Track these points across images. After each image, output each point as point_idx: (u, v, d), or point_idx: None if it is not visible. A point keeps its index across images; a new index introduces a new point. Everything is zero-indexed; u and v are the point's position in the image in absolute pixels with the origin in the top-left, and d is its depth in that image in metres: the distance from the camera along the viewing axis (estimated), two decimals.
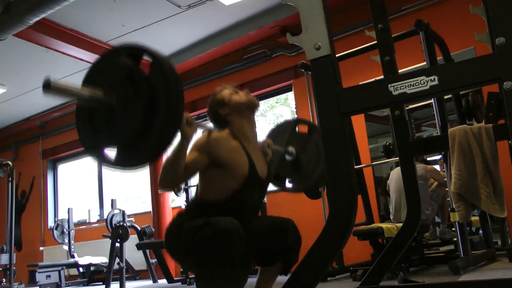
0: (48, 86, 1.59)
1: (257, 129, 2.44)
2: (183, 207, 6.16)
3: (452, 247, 4.43)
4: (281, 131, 2.90)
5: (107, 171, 9.27)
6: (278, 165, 2.77)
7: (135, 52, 1.85)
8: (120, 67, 1.84)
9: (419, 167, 4.40)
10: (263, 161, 2.41)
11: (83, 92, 1.77)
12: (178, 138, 2.02)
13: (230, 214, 2.13)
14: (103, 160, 1.92)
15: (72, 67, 7.15)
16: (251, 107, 2.38)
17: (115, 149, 1.89)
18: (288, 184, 2.90)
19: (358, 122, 5.57)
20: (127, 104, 1.80)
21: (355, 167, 4.55)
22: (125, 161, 1.89)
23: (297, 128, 2.92)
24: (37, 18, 5.08)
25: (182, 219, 2.25)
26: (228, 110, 2.35)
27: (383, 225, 4.15)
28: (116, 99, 1.81)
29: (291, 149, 2.80)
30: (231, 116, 2.34)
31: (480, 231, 4.63)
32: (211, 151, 2.18)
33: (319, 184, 4.52)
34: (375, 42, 2.64)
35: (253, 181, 2.28)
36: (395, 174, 4.52)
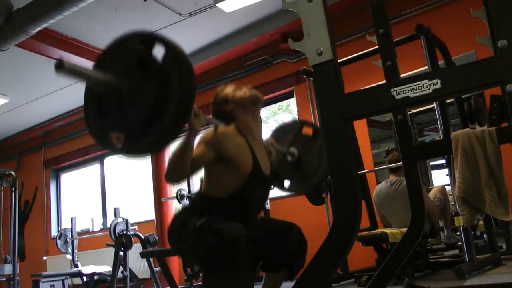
0: (61, 67, 1.58)
1: (262, 125, 2.45)
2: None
3: (457, 251, 4.41)
4: (286, 131, 2.90)
5: (110, 180, 9.28)
6: (278, 165, 2.76)
7: (148, 39, 1.81)
8: (133, 53, 1.80)
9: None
10: (266, 158, 2.43)
11: (95, 75, 1.76)
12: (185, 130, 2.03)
13: (234, 211, 2.18)
14: (109, 147, 1.88)
15: None
16: (255, 102, 2.40)
17: (122, 136, 1.85)
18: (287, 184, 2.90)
19: (361, 127, 5.56)
20: (139, 91, 1.77)
21: (359, 172, 4.54)
22: (131, 149, 1.85)
23: (302, 130, 2.91)
24: (39, 28, 5.10)
25: (187, 215, 2.26)
26: (232, 106, 2.36)
27: (387, 230, 4.13)
28: (128, 85, 1.77)
29: (293, 150, 2.80)
30: (236, 112, 2.36)
31: (485, 235, 4.61)
32: (218, 146, 2.19)
33: (322, 190, 4.51)
34: (377, 47, 2.64)
35: (257, 178, 2.28)
36: (380, 191, 4.53)
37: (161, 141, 1.80)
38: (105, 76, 1.76)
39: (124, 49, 1.83)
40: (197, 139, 2.16)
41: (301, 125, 2.95)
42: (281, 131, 2.92)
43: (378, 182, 5.50)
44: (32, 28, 5.05)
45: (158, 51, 1.78)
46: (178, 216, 2.32)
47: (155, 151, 1.91)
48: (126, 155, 1.86)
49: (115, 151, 1.86)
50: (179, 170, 2.11)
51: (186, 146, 2.06)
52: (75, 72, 1.68)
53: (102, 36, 6.21)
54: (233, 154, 2.22)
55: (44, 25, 5.08)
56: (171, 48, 1.75)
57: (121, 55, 1.84)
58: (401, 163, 2.55)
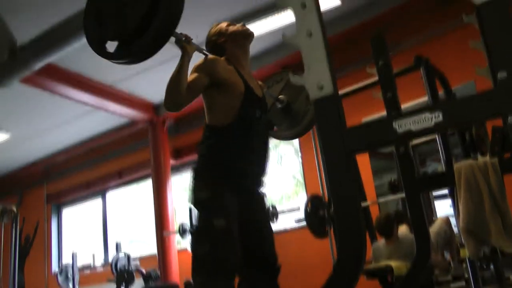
0: None
1: (249, 60, 2.63)
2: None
3: (463, 283, 4.35)
4: (276, 81, 3.02)
5: (112, 214, 9.23)
6: (268, 112, 2.86)
7: None
8: None
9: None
10: (256, 85, 2.58)
11: None
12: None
13: (238, 136, 2.30)
14: (103, 54, 2.11)
15: (77, 111, 7.23)
16: (246, 36, 2.58)
17: (116, 45, 2.10)
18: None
19: (363, 159, 5.56)
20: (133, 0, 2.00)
21: (362, 204, 4.51)
22: (123, 54, 2.09)
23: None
24: (42, 63, 5.16)
25: (198, 178, 2.33)
26: (224, 38, 2.54)
27: (392, 263, 4.08)
28: None
29: (282, 97, 2.91)
30: (227, 44, 2.54)
31: (492, 266, 4.55)
32: (209, 70, 2.35)
33: (325, 223, 4.48)
34: (377, 79, 2.65)
35: (251, 97, 2.42)
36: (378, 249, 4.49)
37: (150, 46, 2.04)
38: None
39: None
40: (190, 68, 2.34)
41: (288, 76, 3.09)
42: (271, 80, 3.05)
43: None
44: (36, 64, 5.11)
45: None
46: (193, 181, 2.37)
47: (144, 57, 2.12)
48: (118, 61, 2.11)
49: (109, 58, 2.09)
50: (175, 94, 2.24)
51: (180, 69, 2.25)
52: None
53: (105, 71, 6.29)
54: (224, 76, 2.36)
55: (48, 60, 5.14)
56: None
57: None
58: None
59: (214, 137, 2.35)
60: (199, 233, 2.28)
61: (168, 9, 1.99)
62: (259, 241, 2.39)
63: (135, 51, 2.06)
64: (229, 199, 2.25)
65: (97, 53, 2.13)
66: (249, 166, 2.36)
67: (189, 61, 2.32)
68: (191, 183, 2.34)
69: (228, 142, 2.32)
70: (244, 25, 2.61)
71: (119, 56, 2.11)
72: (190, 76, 2.32)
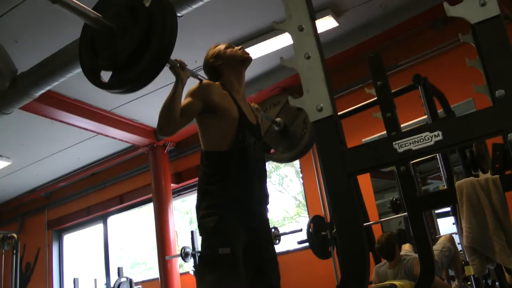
0: (55, 0, 1.79)
1: (244, 85, 2.62)
2: (191, 271, 6.05)
3: None
4: (274, 103, 3.05)
5: (113, 239, 9.18)
6: (265, 134, 2.86)
7: None
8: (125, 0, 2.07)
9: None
10: (250, 111, 2.56)
11: (87, 12, 1.97)
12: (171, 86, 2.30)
13: (236, 164, 2.29)
14: (98, 83, 2.13)
15: (77, 137, 7.25)
16: (243, 61, 2.57)
17: (110, 74, 2.11)
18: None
19: (364, 178, 5.55)
20: (126, 29, 2.02)
21: (364, 224, 4.49)
22: (117, 84, 2.09)
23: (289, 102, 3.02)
24: (43, 91, 5.19)
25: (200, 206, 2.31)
26: (221, 61, 2.54)
27: (397, 282, 4.04)
28: (117, 24, 2.03)
29: (279, 120, 2.93)
30: (223, 68, 2.53)
31: (497, 283, 4.50)
32: (203, 96, 2.34)
33: (328, 244, 4.45)
34: (375, 98, 2.66)
35: (245, 124, 2.40)
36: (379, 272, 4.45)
37: (143, 77, 2.05)
38: (96, 14, 2.01)
39: None
40: (184, 93, 2.35)
41: (287, 98, 3.08)
42: (268, 103, 3.08)
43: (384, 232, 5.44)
44: (36, 91, 5.14)
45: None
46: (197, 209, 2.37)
47: (138, 87, 2.14)
48: (112, 90, 2.12)
49: (103, 87, 2.12)
50: (168, 118, 2.23)
51: (173, 95, 2.25)
52: (68, 6, 1.88)
53: (104, 96, 6.31)
54: (218, 101, 2.35)
55: (48, 88, 5.17)
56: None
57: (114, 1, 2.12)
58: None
59: (214, 166, 2.34)
60: (205, 261, 2.24)
61: (161, 41, 2.00)
62: (264, 275, 2.36)
63: (129, 81, 2.07)
64: (235, 227, 2.24)
65: (92, 82, 2.15)
66: (251, 192, 2.35)
67: (183, 87, 2.33)
68: (197, 212, 2.33)
69: (229, 170, 2.31)
70: (242, 48, 2.61)
71: (113, 86, 2.11)
72: (184, 100, 2.33)
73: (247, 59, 2.59)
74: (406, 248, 4.61)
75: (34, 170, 8.47)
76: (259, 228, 2.39)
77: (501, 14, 1.28)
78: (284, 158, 3.05)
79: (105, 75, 2.16)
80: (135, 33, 1.99)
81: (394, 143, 1.30)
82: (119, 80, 2.08)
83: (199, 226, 2.30)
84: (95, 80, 2.13)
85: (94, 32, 2.12)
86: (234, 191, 2.30)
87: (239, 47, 2.62)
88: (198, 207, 2.32)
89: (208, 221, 2.23)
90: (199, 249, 5.97)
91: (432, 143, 1.27)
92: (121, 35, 2.03)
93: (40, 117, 6.31)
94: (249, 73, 5.96)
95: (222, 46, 2.59)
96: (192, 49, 4.81)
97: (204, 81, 2.46)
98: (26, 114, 6.08)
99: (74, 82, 5.45)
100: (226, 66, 2.54)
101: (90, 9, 2.01)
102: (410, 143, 1.29)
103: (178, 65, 2.31)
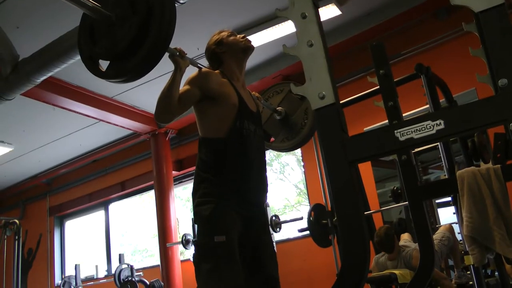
0: None
1: (244, 73, 2.60)
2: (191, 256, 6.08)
3: None
4: (276, 91, 3.03)
5: (114, 225, 9.22)
6: (265, 122, 2.86)
7: None
8: None
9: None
10: (250, 99, 2.55)
11: (85, 1, 1.97)
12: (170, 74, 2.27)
13: (237, 151, 2.28)
14: (96, 71, 2.12)
15: (79, 123, 7.24)
16: (245, 50, 2.55)
17: (108, 63, 2.11)
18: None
19: (365, 167, 5.55)
20: (124, 19, 2.02)
21: (365, 213, 4.50)
22: (115, 72, 2.09)
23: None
24: (44, 77, 5.17)
25: (197, 193, 2.30)
26: (223, 49, 2.52)
27: (396, 271, 4.06)
28: (116, 13, 2.04)
29: (280, 109, 2.91)
30: (225, 55, 2.52)
31: (496, 273, 4.52)
32: (201, 83, 2.33)
33: (328, 232, 4.46)
34: (378, 87, 2.66)
35: (245, 111, 2.38)
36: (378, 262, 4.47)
37: (141, 66, 2.03)
38: (95, 4, 2.00)
39: None
40: (183, 81, 2.34)
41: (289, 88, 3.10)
42: (272, 91, 3.06)
43: (384, 222, 5.45)
44: (38, 77, 5.12)
45: None
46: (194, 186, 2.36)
47: (135, 77, 2.12)
48: (109, 78, 2.11)
49: (101, 76, 2.11)
50: (166, 106, 2.23)
51: (172, 83, 2.24)
52: None
53: (106, 84, 6.28)
54: (217, 89, 2.34)
55: (49, 74, 5.15)
56: None
57: None
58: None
59: (211, 153, 2.32)
60: (201, 249, 2.23)
61: (160, 30, 1.99)
62: (261, 262, 2.35)
63: (127, 70, 2.05)
64: (230, 215, 2.23)
65: (90, 71, 2.14)
66: (249, 180, 2.33)
67: (181, 75, 2.31)
68: (192, 199, 2.33)
69: (226, 157, 2.29)
70: (245, 37, 2.58)
71: (111, 75, 2.10)
72: (182, 88, 2.32)
73: (249, 48, 2.56)
74: (405, 237, 4.63)
75: (35, 157, 8.48)
76: (255, 217, 2.38)
77: (505, 3, 1.27)
78: (283, 147, 3.04)
79: (104, 64, 2.15)
80: (134, 22, 1.98)
81: (395, 131, 1.30)
82: (117, 69, 2.07)
83: (194, 214, 2.29)
84: (94, 68, 2.13)
85: (93, 21, 2.11)
86: (231, 179, 2.28)
87: (242, 35, 2.60)
88: (194, 195, 2.32)
89: (204, 209, 2.22)
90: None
91: (434, 132, 1.27)
92: (120, 24, 2.02)
93: (42, 103, 6.30)
94: (251, 61, 5.96)
95: (225, 33, 2.56)
96: (194, 36, 4.79)
97: (203, 69, 2.44)
98: (28, 100, 6.08)
99: (75, 68, 5.42)
100: (228, 53, 2.51)
101: (89, 1, 2.00)
102: (411, 132, 1.29)
103: (177, 53, 2.29)
